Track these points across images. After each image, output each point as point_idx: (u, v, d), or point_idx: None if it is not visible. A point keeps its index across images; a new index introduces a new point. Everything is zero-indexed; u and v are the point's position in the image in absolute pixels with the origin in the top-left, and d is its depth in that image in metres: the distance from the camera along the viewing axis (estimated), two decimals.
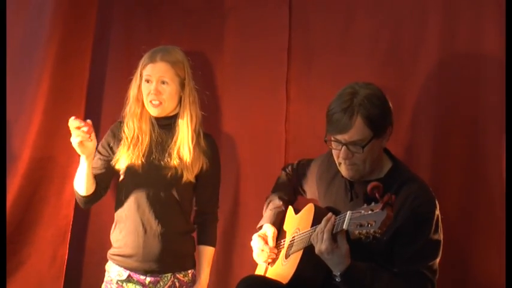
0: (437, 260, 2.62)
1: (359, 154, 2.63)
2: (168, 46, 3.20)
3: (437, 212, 2.64)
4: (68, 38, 3.69)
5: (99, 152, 3.21)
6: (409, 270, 2.57)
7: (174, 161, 3.10)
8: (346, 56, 3.50)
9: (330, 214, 2.54)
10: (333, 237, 2.49)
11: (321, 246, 2.49)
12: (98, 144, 3.13)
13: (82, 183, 3.11)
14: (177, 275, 3.16)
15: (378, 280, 2.52)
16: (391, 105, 2.71)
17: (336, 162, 2.73)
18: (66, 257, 3.74)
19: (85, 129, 2.90)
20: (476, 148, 3.15)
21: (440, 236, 2.63)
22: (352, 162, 2.67)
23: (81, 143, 2.93)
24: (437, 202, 2.66)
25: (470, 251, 3.13)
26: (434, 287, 2.61)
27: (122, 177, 3.19)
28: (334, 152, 2.71)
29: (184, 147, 3.11)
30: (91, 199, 3.18)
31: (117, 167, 3.16)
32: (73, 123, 2.91)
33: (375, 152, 2.67)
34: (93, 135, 2.95)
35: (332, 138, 2.67)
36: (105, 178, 3.19)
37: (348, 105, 2.61)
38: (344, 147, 2.64)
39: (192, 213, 3.25)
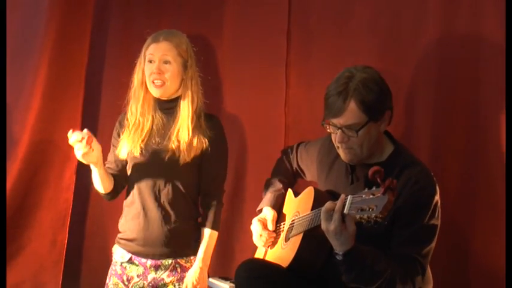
0: (432, 244, 2.61)
1: (354, 138, 2.63)
2: (173, 30, 3.21)
3: (437, 197, 2.63)
4: (67, 24, 3.70)
5: (113, 145, 3.25)
6: (403, 254, 2.56)
7: (173, 144, 3.10)
8: (345, 40, 3.49)
9: (343, 195, 2.48)
10: (342, 217, 2.46)
11: (329, 225, 2.45)
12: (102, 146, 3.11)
13: (99, 185, 3.14)
14: (179, 261, 3.16)
15: (377, 263, 2.51)
16: (389, 89, 2.69)
17: (335, 145, 2.73)
18: (66, 241, 3.76)
19: (84, 142, 2.91)
20: (476, 131, 3.15)
21: (437, 221, 2.62)
22: (348, 146, 2.67)
23: (84, 155, 2.93)
24: (437, 187, 2.65)
25: (470, 233, 3.13)
26: (425, 271, 2.61)
27: (128, 164, 3.21)
28: (332, 136, 2.72)
29: (183, 128, 3.11)
30: (113, 193, 3.22)
31: (120, 155, 3.17)
32: (72, 138, 2.92)
33: (372, 136, 2.67)
34: (94, 142, 2.95)
35: (330, 122, 2.67)
36: (122, 168, 3.22)
37: (343, 88, 2.61)
38: (339, 131, 2.64)
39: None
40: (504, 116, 2.98)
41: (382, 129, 2.71)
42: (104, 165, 3.14)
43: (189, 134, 3.10)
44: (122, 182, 3.23)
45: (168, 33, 3.15)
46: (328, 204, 2.49)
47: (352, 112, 2.60)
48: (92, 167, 3.06)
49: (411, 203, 2.58)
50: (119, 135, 3.22)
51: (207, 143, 3.13)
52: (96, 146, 2.96)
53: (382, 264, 2.51)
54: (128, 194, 3.24)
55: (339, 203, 2.45)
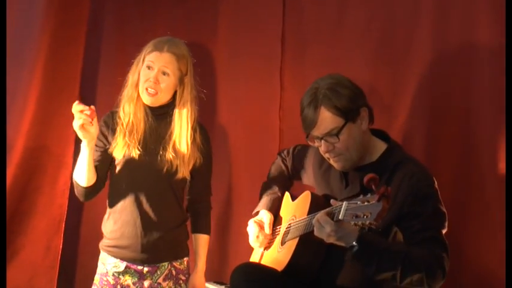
0: (445, 231, 2.61)
1: (338, 143, 2.65)
2: (176, 39, 3.17)
3: (436, 186, 2.65)
4: (61, 27, 3.69)
5: (96, 145, 3.13)
6: (421, 237, 2.55)
7: (170, 155, 3.09)
8: (339, 45, 3.50)
9: (332, 201, 2.54)
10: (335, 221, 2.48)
11: (322, 232, 2.48)
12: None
13: (83, 173, 3.06)
14: (174, 263, 3.16)
15: (394, 245, 2.55)
16: (359, 87, 2.70)
17: (325, 157, 2.75)
18: (61, 246, 3.75)
19: (87, 112, 2.88)
20: (469, 136, 3.15)
21: (443, 208, 2.64)
22: (336, 153, 2.69)
23: (82, 127, 2.91)
24: (434, 178, 2.66)
25: (464, 239, 3.12)
26: (448, 250, 2.59)
27: (117, 167, 3.15)
28: (319, 149, 2.74)
29: (181, 143, 3.10)
30: (92, 191, 3.14)
31: (114, 154, 3.12)
32: (76, 107, 2.88)
33: (356, 136, 2.68)
34: (95, 121, 2.93)
35: (312, 136, 2.70)
36: (103, 169, 3.17)
37: (312, 99, 2.65)
38: (323, 141, 2.67)
39: (184, 201, 3.24)
40: (501, 121, 2.99)
41: (364, 127, 2.72)
42: None
43: (188, 149, 3.10)
44: (101, 183, 3.17)
45: (172, 43, 3.11)
46: (314, 220, 2.53)
47: (325, 119, 2.63)
48: (84, 146, 2.99)
49: (413, 195, 2.59)
50: (105, 137, 3.15)
51: (200, 157, 3.14)
52: (95, 124, 2.93)
53: (399, 246, 2.54)
54: (113, 197, 3.17)
55: (322, 211, 2.50)
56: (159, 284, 3.14)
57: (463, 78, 3.19)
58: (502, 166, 3.03)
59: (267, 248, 3.00)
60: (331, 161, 2.73)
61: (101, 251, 3.18)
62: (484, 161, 3.11)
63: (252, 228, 3.01)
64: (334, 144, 2.66)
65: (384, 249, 2.52)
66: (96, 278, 3.18)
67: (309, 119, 2.64)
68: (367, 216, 2.36)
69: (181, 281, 3.18)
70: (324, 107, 2.62)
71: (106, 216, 3.20)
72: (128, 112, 3.13)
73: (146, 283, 3.13)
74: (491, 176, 3.08)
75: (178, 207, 3.18)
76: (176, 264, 3.17)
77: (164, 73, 3.08)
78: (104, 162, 3.15)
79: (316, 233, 2.53)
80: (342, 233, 2.47)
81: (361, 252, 2.49)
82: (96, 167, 3.12)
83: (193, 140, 3.13)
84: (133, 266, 3.13)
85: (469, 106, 3.17)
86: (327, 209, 2.53)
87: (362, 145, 2.70)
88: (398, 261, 2.51)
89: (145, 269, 3.13)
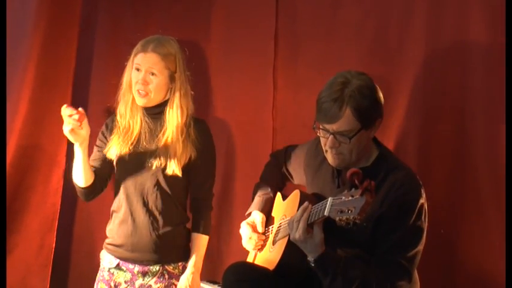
0: (419, 248, 2.60)
1: (346, 144, 2.63)
2: (164, 37, 3.15)
3: (422, 200, 2.62)
4: (54, 26, 3.69)
5: (97, 145, 3.22)
6: (387, 259, 2.57)
7: (161, 152, 3.09)
8: (333, 44, 3.50)
9: (306, 203, 2.56)
10: (309, 225, 2.51)
11: (295, 234, 2.53)
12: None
13: (79, 173, 3.09)
14: (166, 267, 3.15)
15: (352, 268, 2.55)
16: (382, 97, 2.68)
17: (323, 149, 2.74)
18: (54, 245, 3.75)
19: (76, 117, 2.89)
20: (462, 135, 3.15)
21: (423, 224, 2.62)
22: (338, 151, 2.67)
23: (72, 131, 2.91)
24: (423, 191, 2.64)
25: (457, 238, 3.13)
26: (411, 276, 2.60)
27: (115, 167, 3.19)
28: (322, 140, 2.72)
29: (173, 140, 3.09)
30: (91, 191, 3.17)
31: (108, 155, 3.15)
32: (65, 111, 2.91)
33: (362, 142, 2.66)
34: (85, 122, 2.93)
35: (320, 127, 2.66)
36: (103, 169, 3.19)
37: (339, 95, 2.59)
38: (331, 137, 2.64)
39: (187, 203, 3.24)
40: (497, 118, 3.00)
41: (371, 136, 2.71)
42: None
43: (179, 146, 3.09)
44: (102, 183, 3.20)
45: (158, 43, 3.09)
46: (295, 216, 2.55)
47: (347, 119, 2.59)
48: (76, 148, 3.02)
49: (396, 206, 2.58)
50: (105, 137, 3.20)
51: (195, 152, 3.12)
52: (85, 125, 2.94)
53: (356, 271, 2.54)
54: (114, 197, 3.21)
55: (305, 213, 2.52)
56: (150, 286, 3.13)
57: (457, 77, 3.19)
58: (496, 165, 3.04)
59: (260, 249, 3.00)
60: (329, 155, 2.70)
61: (103, 249, 3.24)
62: (478, 160, 3.12)
63: (244, 230, 3.01)
64: (341, 143, 2.64)
65: (340, 272, 2.53)
66: (98, 274, 3.23)
67: (332, 113, 2.59)
68: (351, 211, 2.37)
69: (173, 286, 3.16)
70: (350, 108, 2.58)
71: (110, 215, 3.25)
72: (124, 114, 3.15)
73: (137, 283, 3.14)
74: (486, 175, 3.08)
75: (174, 208, 3.17)
76: (169, 268, 3.16)
77: (151, 73, 3.08)
78: (103, 163, 3.18)
79: (288, 226, 2.58)
80: (305, 245, 2.53)
81: (316, 269, 2.54)
82: (95, 167, 3.15)
83: (187, 136, 3.12)
84: (125, 265, 3.15)
85: (463, 105, 3.17)
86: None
87: (363, 150, 2.70)
88: (350, 286, 2.53)
89: (136, 269, 3.13)
